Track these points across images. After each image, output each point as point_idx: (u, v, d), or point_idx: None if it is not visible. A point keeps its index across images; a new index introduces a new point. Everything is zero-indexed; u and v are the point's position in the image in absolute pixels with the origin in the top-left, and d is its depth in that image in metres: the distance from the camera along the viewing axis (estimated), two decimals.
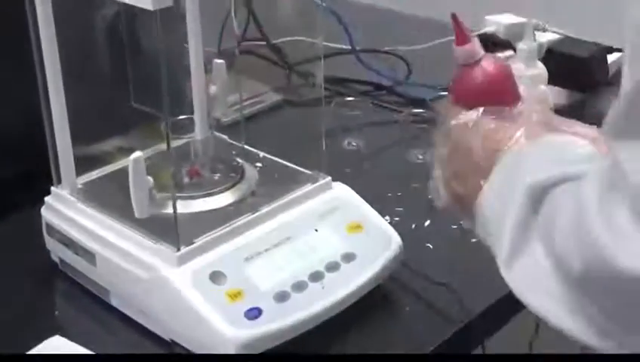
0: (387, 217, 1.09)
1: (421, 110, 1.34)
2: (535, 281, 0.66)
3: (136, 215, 0.88)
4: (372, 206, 1.00)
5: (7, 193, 1.08)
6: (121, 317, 0.94)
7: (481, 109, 0.78)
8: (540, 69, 1.29)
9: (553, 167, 0.67)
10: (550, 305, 0.64)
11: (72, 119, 0.95)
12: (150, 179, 0.88)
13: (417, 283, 0.97)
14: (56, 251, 1.00)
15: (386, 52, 1.50)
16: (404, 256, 0.97)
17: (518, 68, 1.31)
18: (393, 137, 1.31)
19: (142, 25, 0.95)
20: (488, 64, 0.82)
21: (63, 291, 1.00)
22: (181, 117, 1.01)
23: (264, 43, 1.43)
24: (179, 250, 0.87)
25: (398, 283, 0.98)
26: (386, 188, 1.17)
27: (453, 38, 0.84)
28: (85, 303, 0.97)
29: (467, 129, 0.77)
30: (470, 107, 0.80)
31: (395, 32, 1.61)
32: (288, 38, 1.34)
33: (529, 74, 1.26)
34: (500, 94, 0.81)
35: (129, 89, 1.00)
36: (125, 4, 0.83)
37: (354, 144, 1.29)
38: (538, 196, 0.66)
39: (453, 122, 0.79)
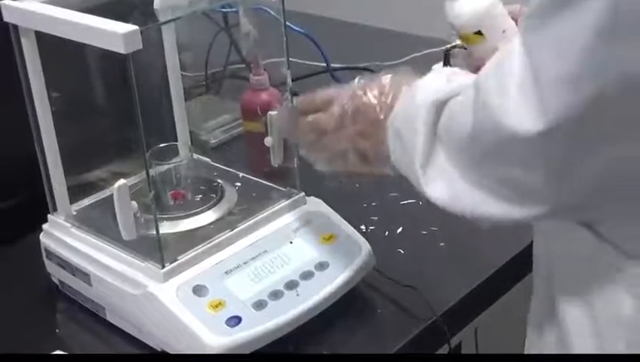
0: (363, 226, 1.18)
1: None
2: (445, 184, 0.79)
3: (124, 237, 0.97)
4: (349, 217, 1.08)
5: (10, 221, 1.17)
6: (116, 331, 1.02)
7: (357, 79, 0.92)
8: None
9: (445, 87, 0.80)
10: (463, 201, 0.77)
11: (64, 152, 1.04)
12: (134, 203, 0.96)
13: (388, 286, 1.05)
14: (55, 273, 1.09)
15: (363, 68, 1.58)
16: (376, 262, 1.05)
17: None
18: None
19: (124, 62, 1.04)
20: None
21: (63, 309, 1.09)
22: (164, 144, 1.09)
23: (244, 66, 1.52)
24: (164, 267, 0.96)
25: (371, 287, 1.06)
26: (362, 199, 1.26)
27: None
28: (83, 319, 1.06)
29: (360, 96, 0.89)
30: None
31: (368, 48, 1.69)
32: (267, 61, 1.43)
33: None
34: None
35: (117, 120, 1.09)
36: None
37: None
38: (437, 110, 0.79)
39: (351, 92, 0.90)
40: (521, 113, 0.67)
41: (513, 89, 0.68)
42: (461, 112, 0.76)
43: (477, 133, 0.73)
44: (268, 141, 1.07)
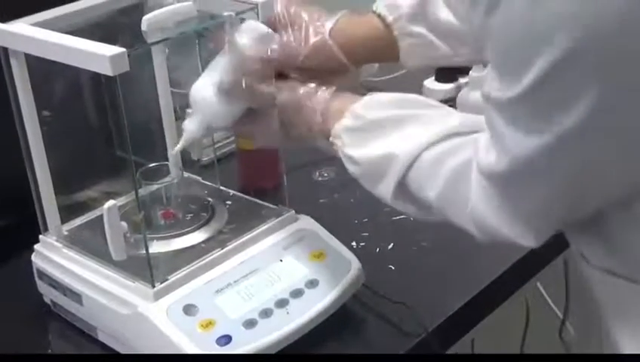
0: (354, 243, 1.18)
1: None
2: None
3: (114, 258, 0.97)
4: (340, 233, 1.09)
5: (2, 241, 1.17)
6: (108, 351, 1.03)
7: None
8: None
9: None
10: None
11: (55, 172, 1.05)
12: (124, 224, 0.97)
13: (379, 303, 1.06)
14: (48, 293, 1.09)
15: None
16: (366, 278, 1.05)
17: (462, 95, 1.41)
18: None
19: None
20: None
21: (56, 329, 1.09)
22: (155, 164, 1.09)
23: None
24: (154, 286, 0.96)
25: (362, 304, 1.06)
26: (354, 215, 1.26)
27: None
28: (76, 339, 1.06)
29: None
30: None
31: None
32: None
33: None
34: None
35: (108, 140, 1.10)
36: None
37: (325, 175, 1.38)
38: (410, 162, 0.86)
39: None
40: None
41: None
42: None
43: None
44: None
